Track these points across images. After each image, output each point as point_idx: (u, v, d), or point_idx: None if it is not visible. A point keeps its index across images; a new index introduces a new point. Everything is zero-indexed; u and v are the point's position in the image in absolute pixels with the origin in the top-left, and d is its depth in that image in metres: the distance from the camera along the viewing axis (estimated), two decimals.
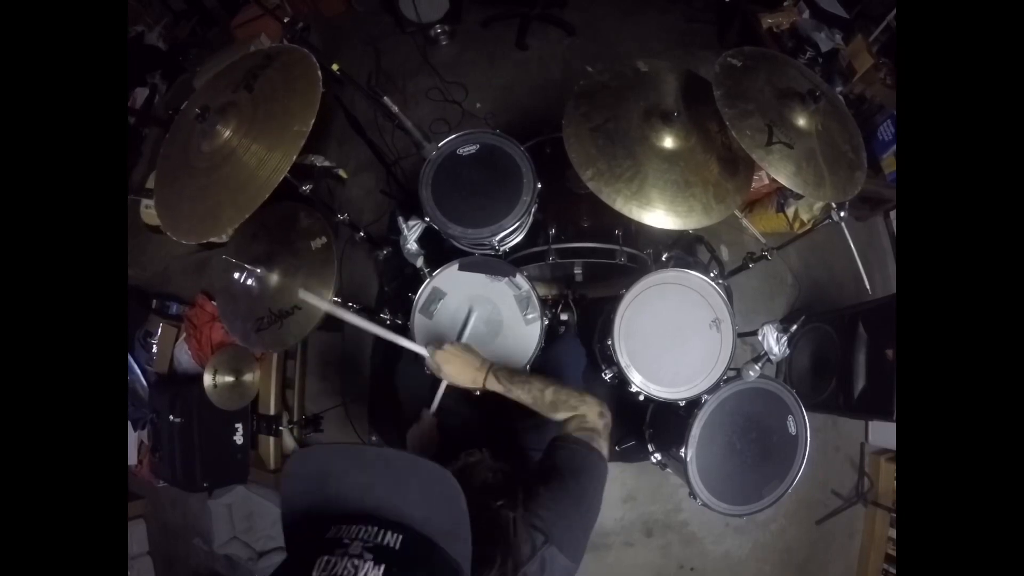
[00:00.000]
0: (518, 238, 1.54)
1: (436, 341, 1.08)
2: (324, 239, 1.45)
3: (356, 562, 0.48)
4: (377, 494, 0.56)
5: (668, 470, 1.67)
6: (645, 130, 1.29)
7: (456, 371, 1.03)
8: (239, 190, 1.12)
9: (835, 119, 1.28)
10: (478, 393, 1.04)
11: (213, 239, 1.52)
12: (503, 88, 2.60)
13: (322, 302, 1.20)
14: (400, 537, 0.52)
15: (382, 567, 0.48)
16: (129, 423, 2.14)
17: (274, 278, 1.43)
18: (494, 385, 1.01)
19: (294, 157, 1.10)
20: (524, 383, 1.00)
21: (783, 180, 1.15)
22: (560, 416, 0.95)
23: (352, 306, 1.66)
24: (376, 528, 0.52)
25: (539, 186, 1.41)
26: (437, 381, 1.14)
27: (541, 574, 0.70)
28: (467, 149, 1.46)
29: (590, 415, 0.93)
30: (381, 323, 1.68)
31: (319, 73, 1.17)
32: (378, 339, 1.19)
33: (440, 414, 1.18)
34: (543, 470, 0.85)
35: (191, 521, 2.30)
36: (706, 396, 1.39)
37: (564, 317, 1.83)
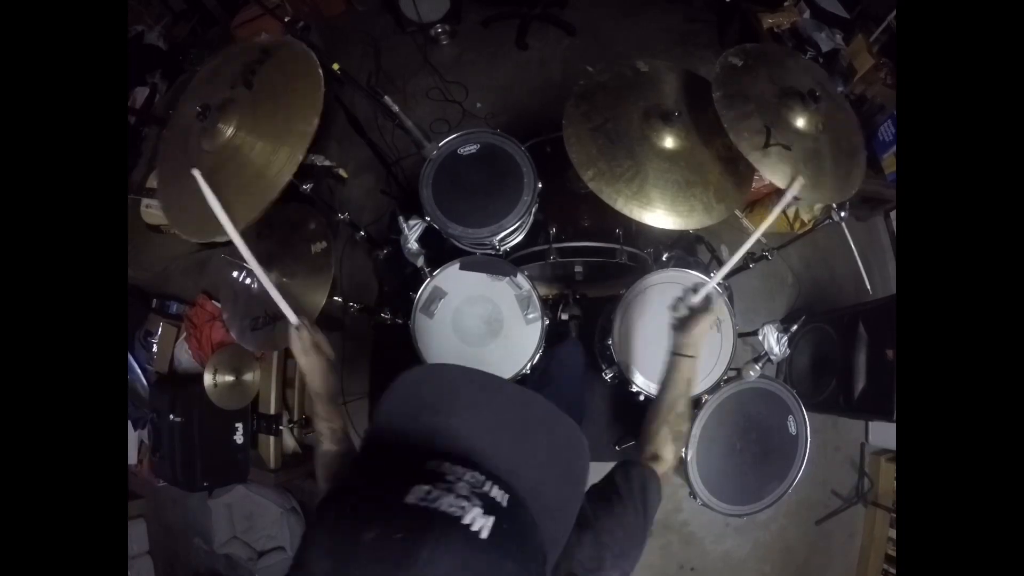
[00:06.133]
0: (519, 238, 1.54)
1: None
2: (324, 244, 1.45)
3: (463, 503, 0.40)
4: (498, 442, 0.48)
5: None
6: (645, 130, 1.29)
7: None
8: (245, 189, 1.11)
9: (835, 119, 1.28)
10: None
11: (218, 239, 1.51)
12: (503, 88, 2.60)
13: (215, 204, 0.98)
14: (507, 496, 0.44)
15: (491, 519, 0.40)
16: (129, 423, 2.14)
17: (272, 278, 1.43)
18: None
19: (300, 155, 1.08)
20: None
21: (779, 182, 1.14)
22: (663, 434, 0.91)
23: (353, 306, 1.66)
24: (483, 477, 0.44)
25: (540, 186, 1.41)
26: None
27: None
28: (467, 149, 1.46)
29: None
30: (383, 323, 1.67)
31: (320, 70, 1.16)
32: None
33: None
34: (617, 489, 0.77)
35: (191, 521, 2.30)
36: (706, 396, 1.39)
37: (565, 317, 1.83)
